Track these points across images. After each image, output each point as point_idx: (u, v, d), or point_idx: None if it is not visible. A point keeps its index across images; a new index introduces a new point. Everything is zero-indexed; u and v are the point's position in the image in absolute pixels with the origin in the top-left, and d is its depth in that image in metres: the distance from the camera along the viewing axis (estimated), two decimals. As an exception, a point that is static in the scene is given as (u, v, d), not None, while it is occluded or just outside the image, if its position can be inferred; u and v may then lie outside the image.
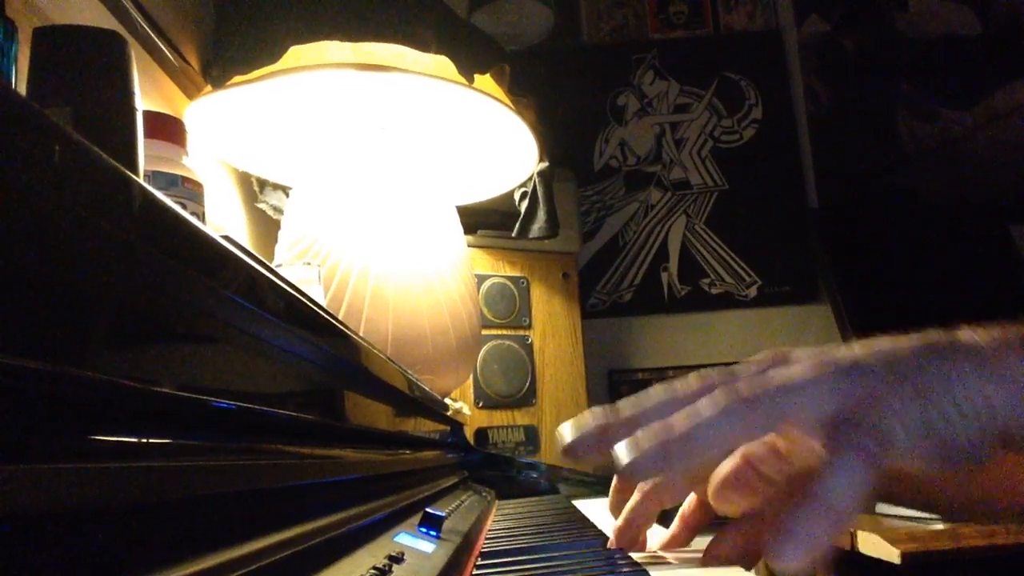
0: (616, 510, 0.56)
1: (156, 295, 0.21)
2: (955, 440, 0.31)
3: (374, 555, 0.38)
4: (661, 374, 1.95)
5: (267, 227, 1.21)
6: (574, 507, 0.98)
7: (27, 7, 0.65)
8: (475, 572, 0.51)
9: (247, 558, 0.24)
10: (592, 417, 0.35)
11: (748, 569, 0.46)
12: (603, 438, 0.34)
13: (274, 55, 0.90)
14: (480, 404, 1.56)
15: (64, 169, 0.16)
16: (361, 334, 0.56)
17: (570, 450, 0.34)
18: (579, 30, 2.11)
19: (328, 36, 0.91)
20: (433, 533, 0.51)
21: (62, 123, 0.16)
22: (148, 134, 0.51)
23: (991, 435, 0.32)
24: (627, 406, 0.36)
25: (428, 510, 0.52)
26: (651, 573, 0.45)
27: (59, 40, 0.41)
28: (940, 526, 0.97)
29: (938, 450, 0.31)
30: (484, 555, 0.58)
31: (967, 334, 0.34)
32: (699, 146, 2.08)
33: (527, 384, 1.62)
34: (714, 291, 2.01)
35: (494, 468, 1.20)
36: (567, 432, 0.34)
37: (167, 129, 0.62)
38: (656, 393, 0.36)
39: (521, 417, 1.60)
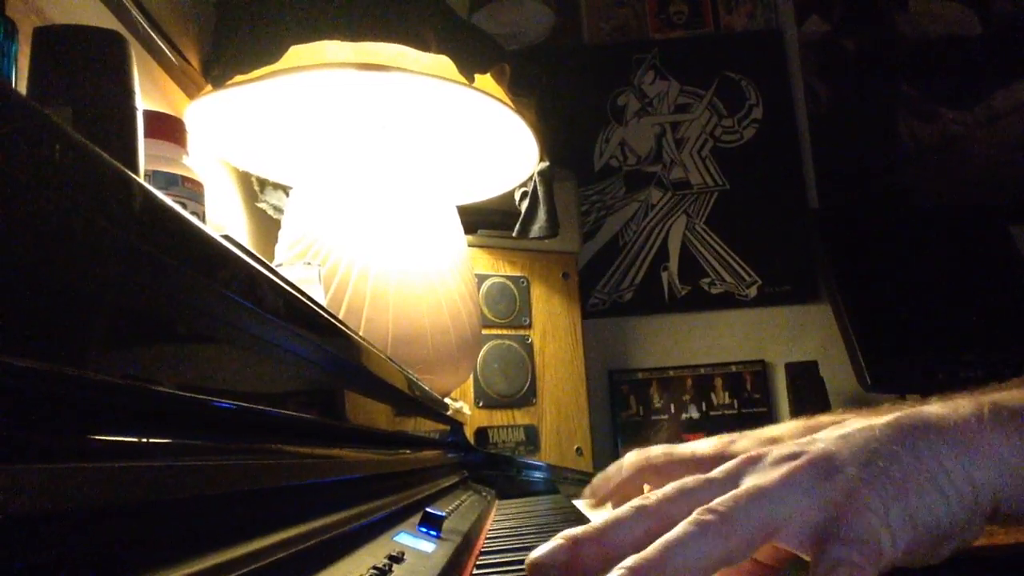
0: None
1: (156, 295, 0.21)
2: (942, 528, 0.30)
3: (374, 555, 0.38)
4: (661, 374, 1.95)
5: (267, 227, 1.21)
6: (574, 507, 0.98)
7: (27, 7, 0.65)
8: (475, 572, 0.51)
9: (247, 558, 0.24)
10: (561, 534, 0.33)
11: None
12: (574, 558, 0.31)
13: (274, 55, 0.90)
14: (480, 404, 1.56)
15: (64, 169, 0.16)
16: (361, 334, 0.56)
17: (538, 568, 0.32)
18: (579, 30, 2.11)
19: (328, 36, 0.91)
20: (433, 533, 0.51)
21: (62, 123, 0.16)
22: (148, 134, 0.51)
23: (979, 515, 0.31)
24: (599, 522, 0.33)
25: (428, 510, 0.52)
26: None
27: (59, 40, 0.41)
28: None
29: (926, 540, 0.30)
30: (484, 555, 0.58)
31: (936, 410, 0.33)
32: (699, 146, 2.08)
33: (527, 384, 1.62)
34: (714, 291, 2.01)
35: (494, 468, 1.21)
36: (537, 551, 0.33)
37: (167, 129, 0.62)
38: (628, 504, 0.34)
39: (521, 417, 1.60)
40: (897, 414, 0.33)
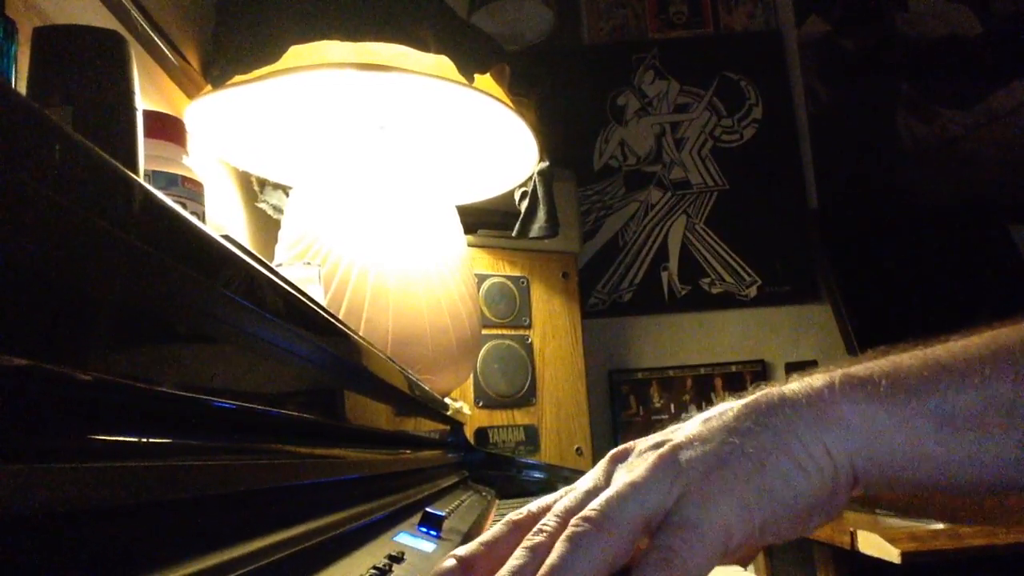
0: None
1: (156, 295, 0.21)
2: (803, 500, 0.31)
3: (374, 555, 0.38)
4: (661, 374, 1.95)
5: (267, 227, 1.21)
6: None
7: (27, 7, 0.65)
8: (475, 572, 0.51)
9: (247, 558, 0.24)
10: (446, 563, 0.33)
11: (744, 567, 0.46)
12: None
13: (274, 55, 0.90)
14: (480, 404, 1.56)
15: (64, 169, 0.16)
16: (361, 334, 0.56)
17: None
18: (579, 30, 2.11)
19: (328, 36, 0.91)
20: (433, 533, 0.51)
21: (62, 123, 0.16)
22: (148, 134, 0.51)
23: (842, 484, 0.31)
24: (481, 541, 0.34)
25: (428, 510, 0.52)
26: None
27: (59, 40, 0.41)
28: (940, 526, 0.97)
29: (787, 514, 0.31)
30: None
31: (792, 387, 0.34)
32: (699, 146, 2.08)
33: (527, 384, 1.62)
34: (714, 291, 2.01)
35: (494, 468, 1.20)
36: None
37: (167, 129, 0.62)
38: (501, 522, 0.34)
39: (521, 417, 1.60)
40: (756, 394, 0.34)
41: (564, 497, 0.34)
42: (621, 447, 0.36)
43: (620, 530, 0.30)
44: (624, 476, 0.32)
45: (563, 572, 0.29)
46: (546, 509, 0.34)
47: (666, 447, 0.33)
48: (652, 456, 0.32)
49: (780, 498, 0.31)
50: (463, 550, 0.33)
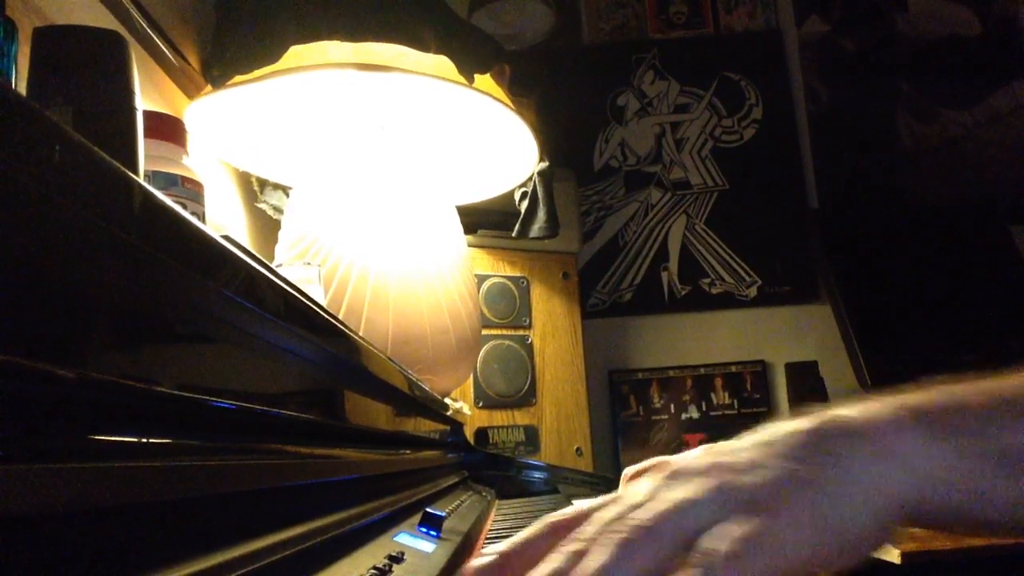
0: None
1: (156, 295, 0.21)
2: (851, 532, 0.30)
3: (374, 555, 0.38)
4: (661, 374, 1.95)
5: (267, 227, 1.21)
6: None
7: (27, 7, 0.65)
8: (475, 572, 0.51)
9: (247, 558, 0.24)
10: (486, 558, 0.33)
11: None
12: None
13: (274, 55, 0.90)
14: (480, 404, 1.56)
15: (64, 169, 0.16)
16: (361, 334, 0.56)
17: None
18: (579, 30, 2.11)
19: (328, 36, 0.91)
20: (433, 533, 0.51)
21: (62, 123, 0.16)
22: (148, 134, 0.51)
23: (891, 520, 0.31)
24: (511, 539, 0.34)
25: (428, 510, 0.52)
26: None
27: (59, 40, 0.41)
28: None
29: (834, 544, 0.30)
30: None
31: (856, 415, 0.33)
32: (699, 146, 2.08)
33: (527, 384, 1.62)
34: (714, 291, 2.01)
35: (494, 468, 1.20)
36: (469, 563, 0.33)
37: (167, 129, 0.62)
38: (539, 523, 0.34)
39: (521, 417, 1.60)
40: (814, 418, 0.33)
41: (608, 506, 0.34)
42: (662, 459, 0.35)
43: (663, 543, 0.30)
44: (673, 492, 0.32)
45: (606, 572, 0.29)
46: (586, 515, 0.34)
47: (719, 467, 0.32)
48: (706, 476, 0.32)
49: (834, 529, 0.30)
50: (504, 546, 0.33)
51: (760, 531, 0.29)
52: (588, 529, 0.32)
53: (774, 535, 0.29)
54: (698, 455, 0.35)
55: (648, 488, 0.34)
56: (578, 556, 0.31)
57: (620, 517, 0.32)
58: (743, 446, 0.34)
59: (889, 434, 0.32)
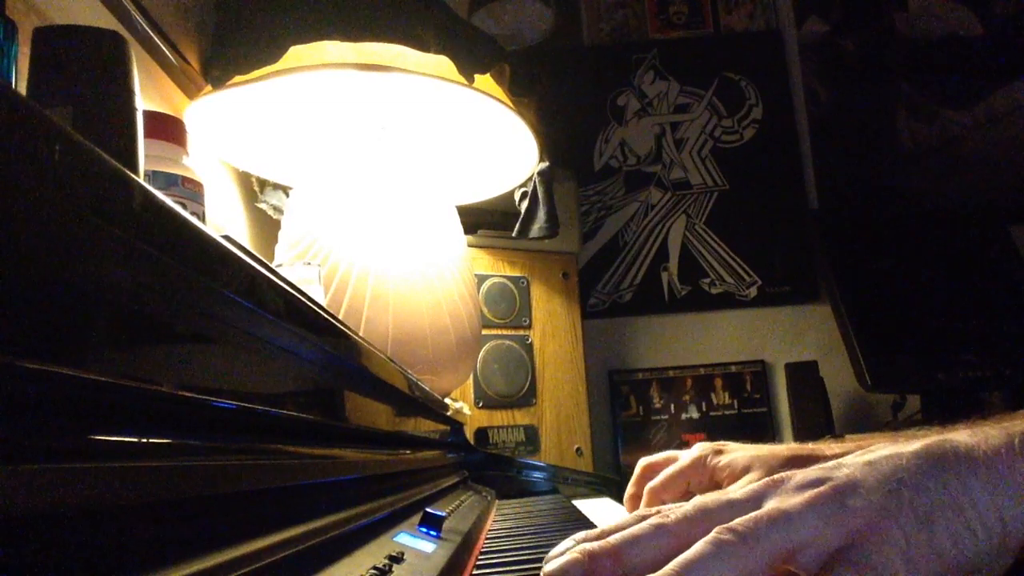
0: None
1: (156, 295, 0.21)
2: (967, 562, 0.30)
3: (374, 555, 0.38)
4: (661, 374, 1.95)
5: (267, 227, 1.21)
6: (574, 507, 0.98)
7: (27, 7, 0.65)
8: (475, 572, 0.51)
9: (247, 558, 0.24)
10: (578, 546, 0.32)
11: None
12: (590, 573, 0.31)
13: (274, 55, 0.90)
14: (480, 404, 1.56)
15: (64, 169, 0.16)
16: (361, 334, 0.56)
17: None
18: (579, 30, 2.11)
19: (328, 36, 0.91)
20: (433, 533, 0.51)
21: (62, 123, 0.16)
22: (148, 134, 0.51)
23: (1008, 549, 0.30)
24: (615, 532, 0.33)
25: (428, 510, 0.52)
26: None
27: (59, 40, 0.41)
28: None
29: (951, 571, 0.30)
30: (484, 555, 0.58)
31: (965, 440, 0.32)
32: (699, 146, 2.08)
33: (527, 384, 1.62)
34: (714, 291, 2.01)
35: (494, 468, 1.20)
36: (551, 563, 0.32)
37: (167, 129, 0.62)
38: (646, 521, 0.34)
39: (521, 417, 1.60)
40: (926, 442, 0.33)
41: (707, 497, 0.34)
42: (778, 476, 0.35)
43: (761, 552, 0.30)
44: (777, 503, 0.32)
45: (697, 570, 0.29)
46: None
47: (827, 486, 0.32)
48: (810, 492, 0.32)
49: (946, 557, 0.30)
50: (592, 546, 0.32)
51: (879, 563, 0.29)
52: (678, 510, 0.32)
53: (889, 565, 0.29)
54: (807, 471, 0.34)
55: (745, 491, 0.34)
56: (660, 531, 0.31)
57: (714, 509, 0.32)
58: (849, 463, 0.33)
59: (1004, 462, 0.31)
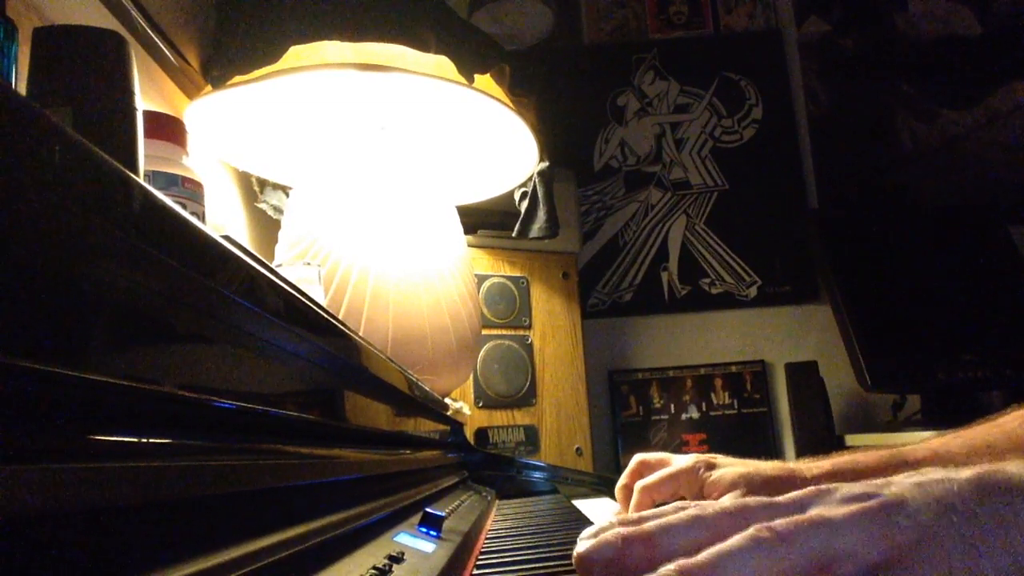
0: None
1: (156, 295, 0.21)
2: None
3: (374, 555, 0.38)
4: (661, 374, 1.95)
5: (267, 227, 1.21)
6: (574, 507, 0.98)
7: (27, 7, 0.65)
8: (475, 572, 0.51)
9: (247, 558, 0.24)
10: (613, 529, 0.32)
11: None
12: (622, 556, 0.31)
13: (274, 55, 0.90)
14: (480, 404, 1.56)
15: (64, 169, 0.16)
16: (361, 334, 0.56)
17: (584, 562, 0.32)
18: (579, 30, 2.11)
19: (328, 36, 0.91)
20: (433, 533, 0.51)
21: (62, 123, 0.16)
22: (148, 134, 0.51)
23: None
24: (652, 519, 0.33)
25: (428, 510, 0.52)
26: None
27: (59, 40, 0.41)
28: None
29: None
30: (484, 555, 0.58)
31: (1018, 469, 0.32)
32: (699, 146, 2.08)
33: (527, 384, 1.62)
34: (714, 291, 2.01)
35: (494, 468, 1.20)
36: (584, 542, 0.32)
37: (167, 129, 0.62)
38: (684, 511, 0.33)
39: (521, 417, 1.60)
40: (979, 470, 0.32)
41: (748, 498, 0.34)
42: (824, 486, 0.34)
43: (798, 555, 0.29)
44: (821, 510, 0.32)
45: (730, 562, 0.29)
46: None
47: (875, 501, 0.31)
48: (856, 505, 0.31)
49: None
50: (626, 530, 0.32)
51: None
52: (717, 504, 0.32)
53: None
54: (853, 485, 0.34)
55: (795, 497, 0.34)
56: (697, 523, 0.31)
57: (754, 507, 0.32)
58: (898, 482, 0.33)
59: None
